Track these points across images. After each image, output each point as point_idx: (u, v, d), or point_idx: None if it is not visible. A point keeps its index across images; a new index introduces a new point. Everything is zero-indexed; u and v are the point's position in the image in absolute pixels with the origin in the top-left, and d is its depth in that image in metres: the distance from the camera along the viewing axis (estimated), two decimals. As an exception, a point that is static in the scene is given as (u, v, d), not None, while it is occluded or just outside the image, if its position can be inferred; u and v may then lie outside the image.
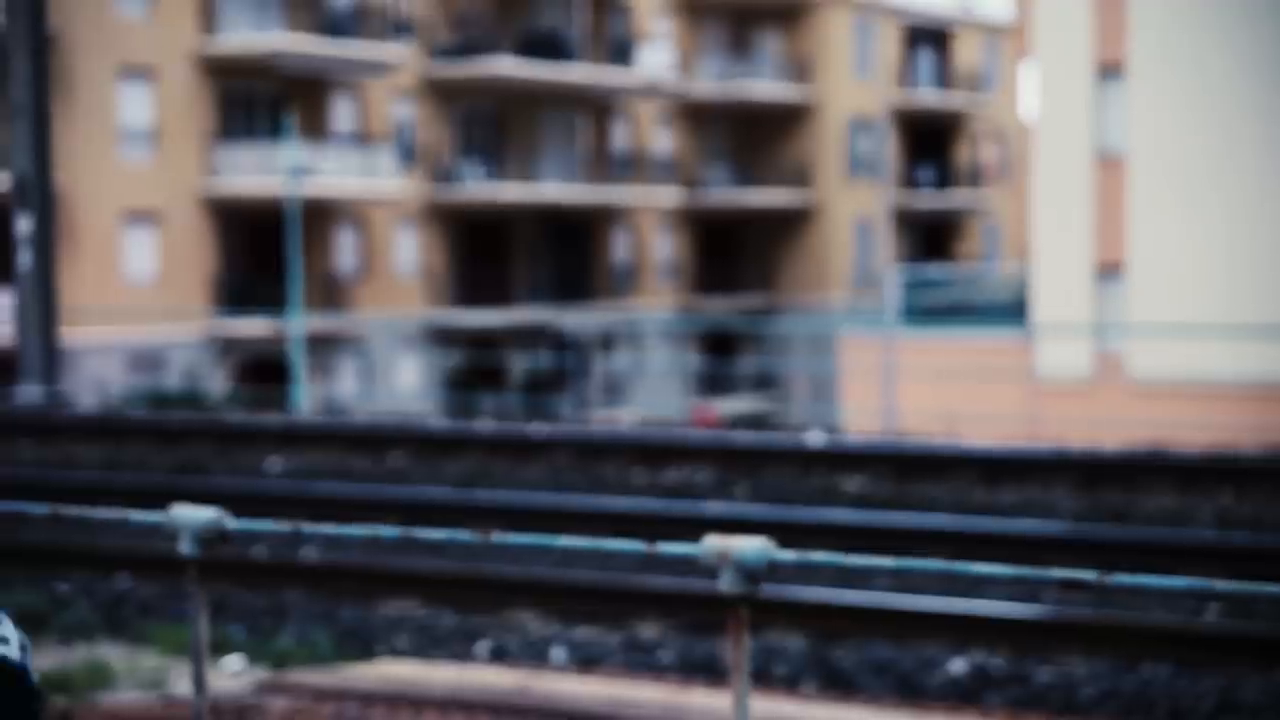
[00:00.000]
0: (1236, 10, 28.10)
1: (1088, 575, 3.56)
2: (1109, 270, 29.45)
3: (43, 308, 19.58)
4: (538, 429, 14.50)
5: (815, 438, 14.10)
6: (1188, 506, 11.16)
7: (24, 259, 19.45)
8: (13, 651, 1.28)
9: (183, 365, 38.53)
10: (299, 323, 36.75)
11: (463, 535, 4.11)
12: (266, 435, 14.83)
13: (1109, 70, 29.33)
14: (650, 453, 13.11)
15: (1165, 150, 28.55)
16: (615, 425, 18.13)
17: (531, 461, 13.08)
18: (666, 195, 51.10)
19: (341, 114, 43.03)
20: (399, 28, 43.78)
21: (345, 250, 43.12)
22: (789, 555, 3.67)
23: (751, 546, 3.53)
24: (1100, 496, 11.57)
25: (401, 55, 42.83)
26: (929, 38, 59.20)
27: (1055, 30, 29.93)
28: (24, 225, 19.42)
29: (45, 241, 19.56)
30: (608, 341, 49.08)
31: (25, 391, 19.56)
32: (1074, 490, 11.80)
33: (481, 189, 45.23)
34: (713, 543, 3.58)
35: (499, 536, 5.22)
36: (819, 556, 4.74)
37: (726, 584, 3.57)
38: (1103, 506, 11.12)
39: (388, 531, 4.23)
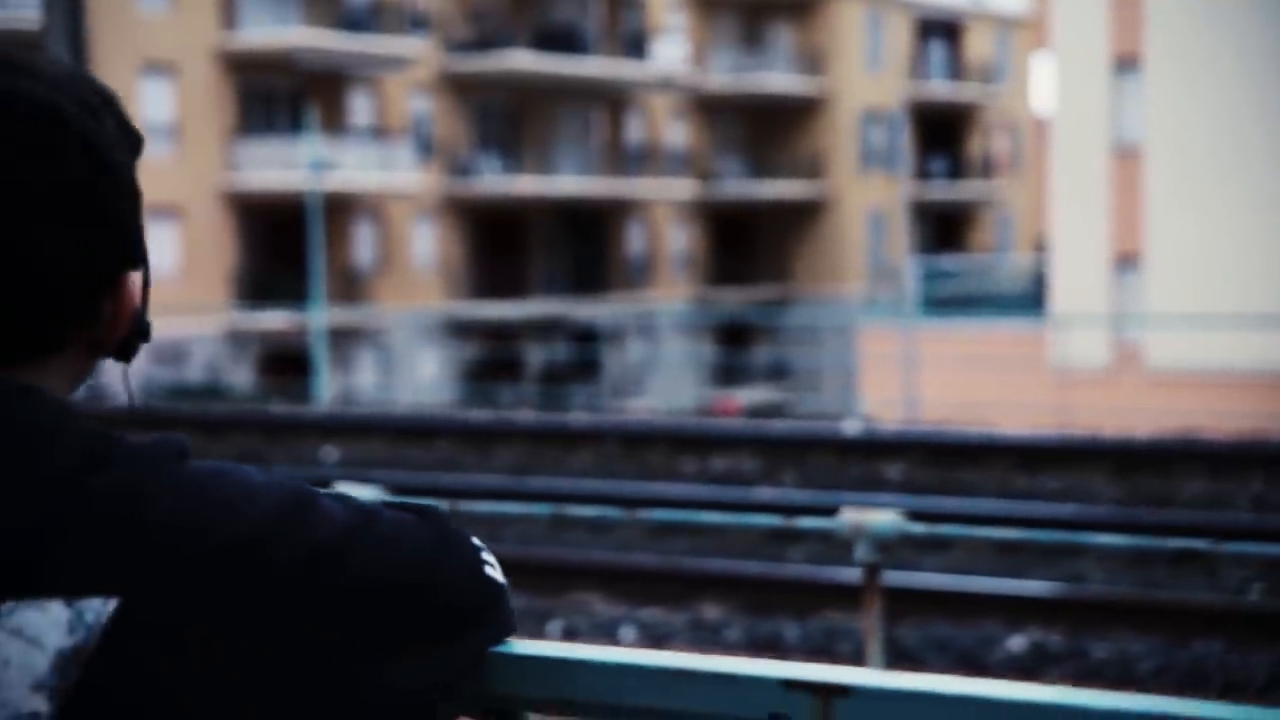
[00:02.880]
0: (1252, 3, 28.35)
1: (1200, 545, 3.84)
2: (1127, 261, 29.73)
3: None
4: (578, 419, 14.81)
5: (852, 426, 14.40)
6: (1222, 492, 11.45)
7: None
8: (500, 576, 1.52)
9: (204, 359, 38.86)
10: (320, 316, 37.05)
11: (612, 513, 4.41)
12: (312, 427, 15.14)
13: (1126, 63, 29.59)
14: (691, 441, 13.40)
15: (1182, 142, 28.81)
16: (653, 415, 18.43)
17: (576, 451, 13.38)
18: (681, 188, 51.37)
19: (360, 109, 43.33)
20: (416, 22, 44.07)
21: (364, 244, 43.43)
22: (920, 528, 3.97)
23: (885, 520, 3.83)
24: (1135, 482, 11.86)
25: (419, 50, 43.12)
26: (940, 30, 59.44)
27: (1072, 23, 30.19)
28: (64, 221, 19.72)
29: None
30: (622, 333, 49.37)
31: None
32: (1109, 477, 12.09)
33: (498, 182, 45.52)
34: (848, 516, 3.88)
35: (644, 513, 5.51)
36: (949, 529, 5.03)
37: (862, 554, 3.87)
38: (1141, 492, 11.41)
39: (540, 509, 4.53)
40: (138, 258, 1.43)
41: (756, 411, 39.03)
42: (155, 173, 38.86)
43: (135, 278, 1.43)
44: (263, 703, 1.30)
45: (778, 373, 51.72)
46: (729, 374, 50.44)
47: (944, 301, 37.48)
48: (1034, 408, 24.31)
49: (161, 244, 39.12)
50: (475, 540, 1.47)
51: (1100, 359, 28.48)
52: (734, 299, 52.43)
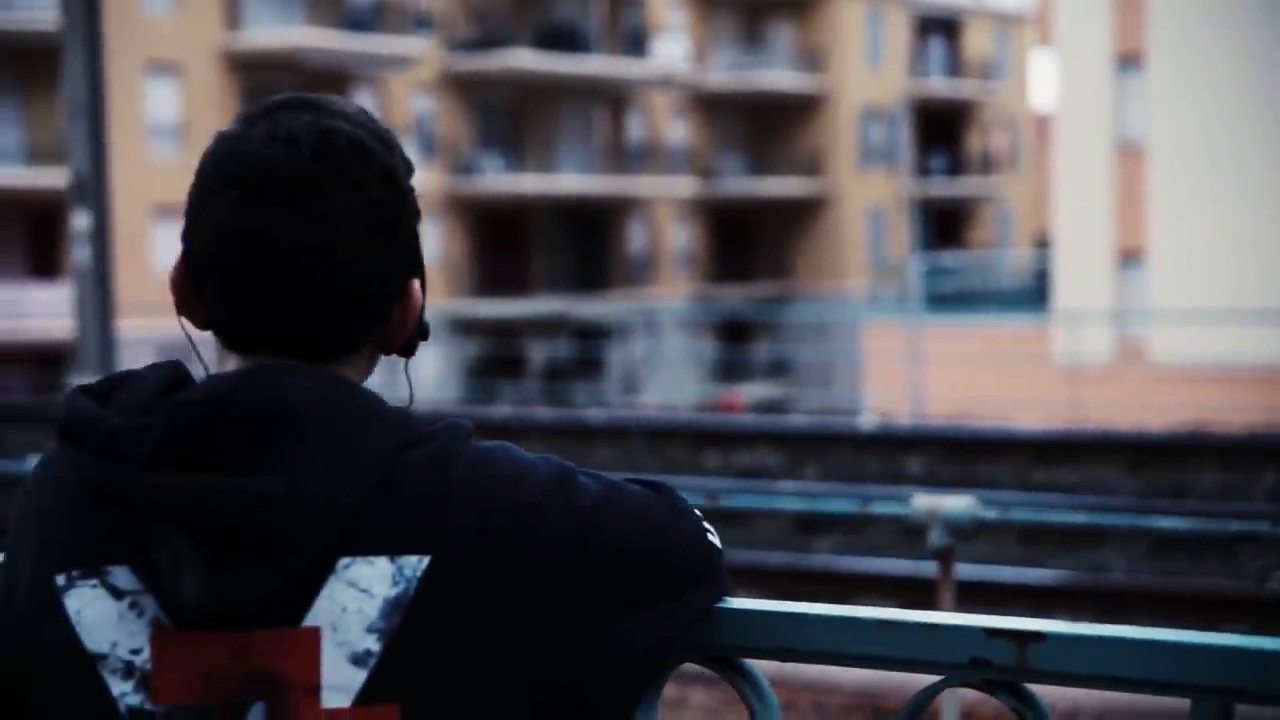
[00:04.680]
0: (1254, 1, 28.57)
1: (1262, 527, 4.06)
2: (1130, 257, 29.97)
3: (101, 301, 20.08)
4: (596, 415, 15.01)
5: (868, 421, 14.62)
6: (1237, 484, 11.67)
7: (82, 254, 19.92)
8: (719, 542, 1.75)
9: (210, 357, 39.03)
10: (326, 314, 37.20)
11: (694, 499, 4.61)
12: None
13: (1129, 60, 29.83)
14: (709, 437, 13.61)
15: (1185, 138, 29.04)
16: (670, 410, 18.64)
17: (598, 447, 13.58)
18: (681, 185, 51.58)
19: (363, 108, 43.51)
20: (418, 22, 44.28)
21: (368, 242, 43.60)
22: (992, 513, 4.18)
23: (959, 505, 4.04)
24: (1150, 475, 12.07)
25: (421, 49, 43.32)
26: (939, 26, 59.68)
27: (1076, 20, 30.43)
28: (82, 222, 19.88)
29: (103, 237, 20.04)
30: (625, 330, 49.58)
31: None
32: (1124, 470, 12.29)
33: (500, 180, 45.72)
34: (922, 502, 4.09)
35: (727, 498, 5.73)
36: (1019, 514, 5.24)
37: (936, 538, 4.08)
38: (1158, 484, 11.63)
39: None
40: (419, 267, 1.65)
41: (762, 407, 39.25)
42: (160, 172, 39.04)
43: (417, 284, 1.65)
44: (534, 644, 1.52)
45: (778, 369, 51.94)
46: (730, 370, 50.66)
47: (947, 298, 37.71)
48: (1039, 403, 24.51)
49: (168, 244, 39.31)
50: (697, 511, 1.70)
51: (1104, 354, 28.71)
52: (735, 296, 52.66)
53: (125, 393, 1.56)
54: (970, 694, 6.78)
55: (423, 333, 1.70)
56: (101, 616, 1.50)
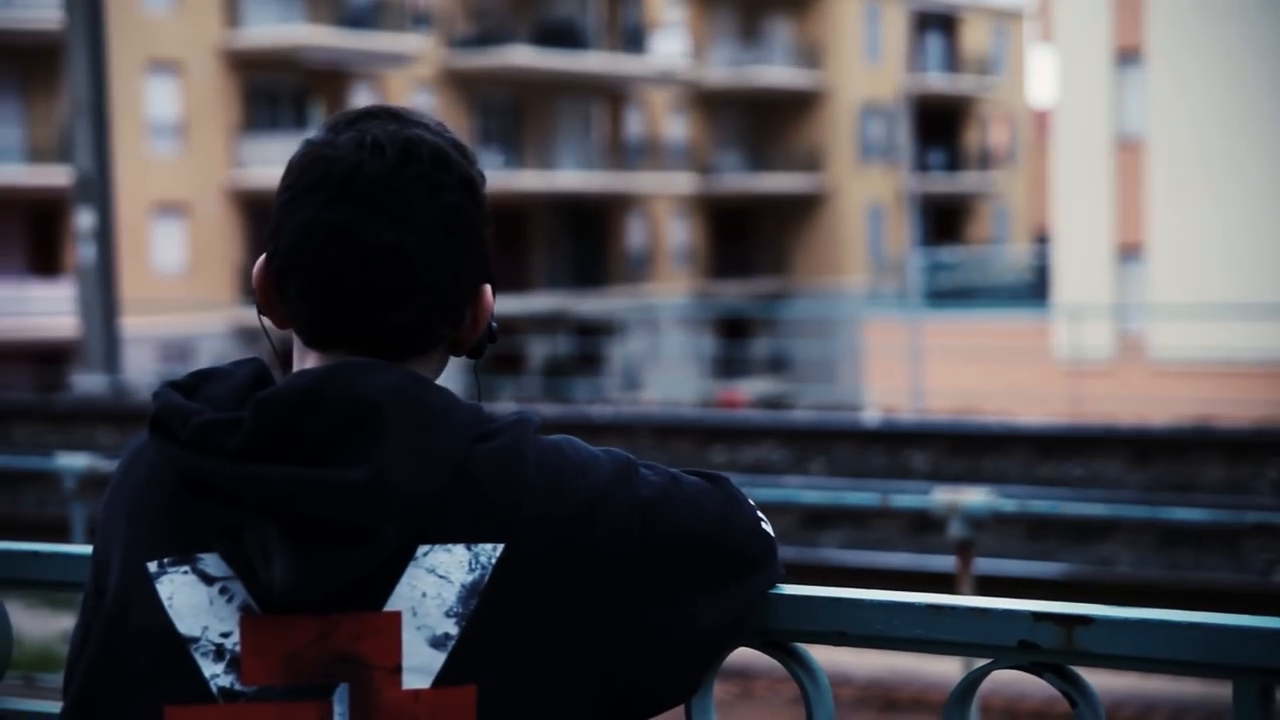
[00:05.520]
0: (1253, -5, 28.64)
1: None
2: (1129, 252, 30.04)
3: (105, 299, 20.16)
4: (600, 412, 15.07)
5: (871, 417, 14.68)
6: (1242, 478, 11.73)
7: (87, 252, 20.01)
8: (772, 531, 1.82)
9: (211, 355, 39.09)
10: (327, 312, 37.25)
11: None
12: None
13: (1128, 55, 29.90)
14: (716, 433, 13.66)
15: (1184, 134, 29.12)
16: (673, 406, 18.71)
17: (608, 442, 13.63)
18: (680, 182, 51.64)
19: (362, 105, 43.51)
20: (417, 19, 44.34)
21: (368, 240, 43.64)
22: (1010, 505, 4.25)
23: (978, 498, 4.11)
24: (1155, 470, 12.13)
25: (420, 46, 43.38)
26: (937, 22, 59.73)
27: (1075, 16, 30.49)
28: (86, 220, 19.98)
29: (107, 236, 20.12)
30: (624, 327, 49.65)
31: (88, 381, 20.13)
32: (1129, 465, 12.35)
33: (499, 177, 45.74)
34: (942, 495, 4.16)
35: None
36: (1038, 505, 5.31)
37: (955, 530, 4.15)
38: (1163, 479, 11.69)
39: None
40: (490, 272, 1.72)
41: (764, 403, 39.32)
42: (161, 171, 39.11)
43: (488, 288, 1.72)
44: (600, 628, 1.60)
45: (778, 365, 52.02)
46: (729, 366, 50.73)
47: (946, 293, 37.79)
48: (1039, 398, 24.59)
49: (168, 241, 39.38)
50: (752, 501, 1.77)
51: (1103, 350, 28.78)
52: (734, 292, 52.71)
53: (212, 388, 1.63)
54: (1013, 688, 6.85)
55: (491, 335, 1.77)
56: (193, 601, 1.57)
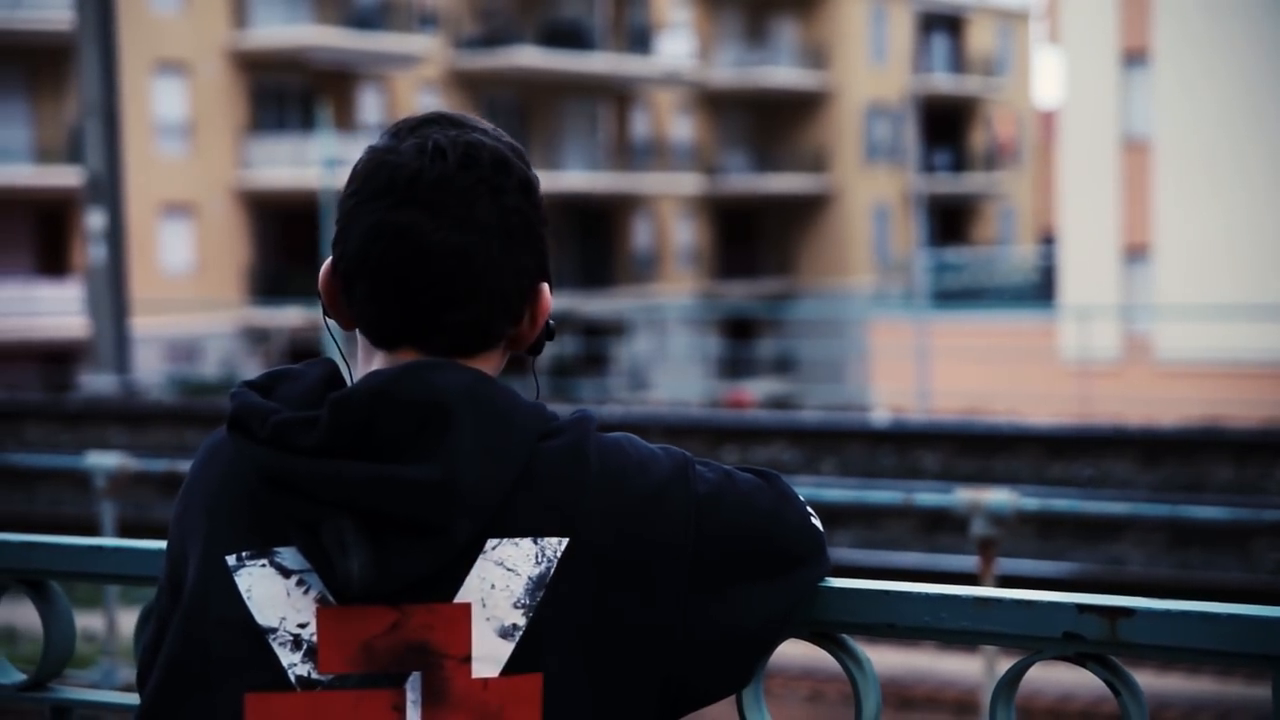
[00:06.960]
0: (1260, -4, 28.68)
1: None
2: (1136, 253, 30.08)
3: (116, 299, 20.23)
4: (611, 412, 15.11)
5: (881, 418, 14.73)
6: (1250, 478, 11.78)
7: (98, 253, 20.08)
8: (821, 526, 1.88)
9: (218, 355, 39.17)
10: (334, 312, 37.27)
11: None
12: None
13: (1134, 56, 29.94)
14: (727, 433, 13.73)
15: (1190, 135, 29.15)
16: (683, 406, 18.76)
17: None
18: (686, 182, 51.70)
19: (370, 106, 43.67)
20: (424, 20, 44.41)
21: (375, 240, 43.69)
22: (1033, 503, 4.30)
23: (1000, 497, 4.16)
24: (1164, 470, 12.18)
25: (427, 47, 43.45)
26: (943, 23, 59.77)
27: (1082, 17, 30.54)
28: (97, 221, 20.05)
29: (118, 236, 20.20)
30: (630, 327, 49.70)
31: (97, 381, 20.19)
32: (1138, 465, 12.40)
33: (506, 178, 45.77)
34: (964, 494, 4.22)
35: None
36: (1060, 504, 5.36)
37: (978, 528, 4.21)
38: (1173, 479, 11.74)
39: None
40: (548, 271, 1.78)
41: (772, 404, 39.36)
42: (168, 171, 39.19)
43: (546, 287, 1.78)
44: (658, 619, 1.65)
45: (784, 366, 52.06)
46: (735, 367, 50.76)
47: (952, 294, 37.83)
48: (1046, 399, 24.64)
49: (176, 241, 39.46)
50: (801, 497, 1.83)
51: (1110, 350, 28.82)
52: (740, 292, 52.75)
53: (288, 387, 1.69)
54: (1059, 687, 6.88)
55: (549, 333, 1.82)
56: (271, 593, 1.63)
